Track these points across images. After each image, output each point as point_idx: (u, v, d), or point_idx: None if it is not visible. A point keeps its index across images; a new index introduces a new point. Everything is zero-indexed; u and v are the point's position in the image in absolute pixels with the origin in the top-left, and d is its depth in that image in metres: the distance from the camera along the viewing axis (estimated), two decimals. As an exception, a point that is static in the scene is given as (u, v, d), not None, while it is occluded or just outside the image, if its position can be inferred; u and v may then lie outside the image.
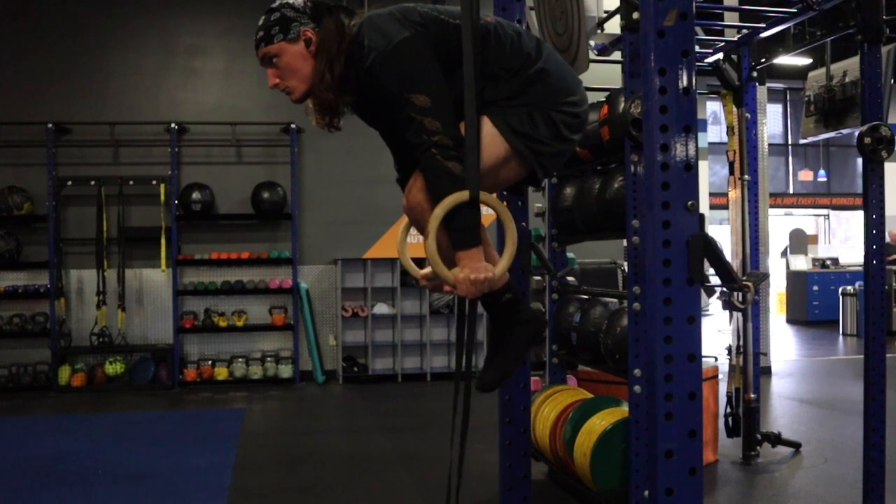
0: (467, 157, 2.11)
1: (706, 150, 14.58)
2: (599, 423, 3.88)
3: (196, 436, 6.05)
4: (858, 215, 16.12)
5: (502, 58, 2.24)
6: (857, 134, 3.82)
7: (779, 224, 16.13)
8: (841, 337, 12.17)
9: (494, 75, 2.24)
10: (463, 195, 2.08)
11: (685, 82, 1.70)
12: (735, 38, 4.97)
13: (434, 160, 2.09)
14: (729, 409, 5.16)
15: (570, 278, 4.82)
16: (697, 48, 4.97)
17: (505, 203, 2.77)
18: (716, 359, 5.18)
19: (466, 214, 2.10)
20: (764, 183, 8.11)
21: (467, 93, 2.12)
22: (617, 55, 4.54)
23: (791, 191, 18.11)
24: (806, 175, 17.86)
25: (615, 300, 4.43)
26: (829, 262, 14.49)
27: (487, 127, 2.23)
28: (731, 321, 5.30)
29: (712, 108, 15.87)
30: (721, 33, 5.45)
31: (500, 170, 2.28)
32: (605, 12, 4.11)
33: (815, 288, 14.02)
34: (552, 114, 2.28)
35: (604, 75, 5.64)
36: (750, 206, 5.27)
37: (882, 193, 3.73)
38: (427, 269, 2.49)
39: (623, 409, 3.92)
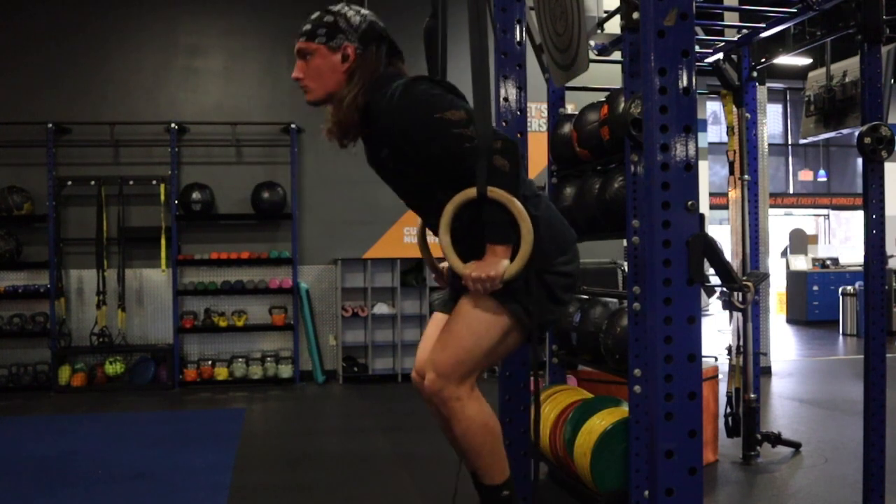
0: (479, 154, 2.15)
1: (706, 150, 14.58)
2: (599, 423, 3.88)
3: (196, 436, 6.05)
4: (858, 215, 16.13)
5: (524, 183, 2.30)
6: (857, 134, 3.82)
7: (779, 224, 16.13)
8: (841, 337, 12.17)
9: None
10: (470, 192, 2.11)
11: (685, 82, 1.70)
12: (735, 38, 4.97)
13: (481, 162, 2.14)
14: (729, 409, 5.15)
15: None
16: (697, 48, 4.96)
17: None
18: (716, 359, 5.18)
19: (490, 209, 2.14)
20: (764, 183, 8.11)
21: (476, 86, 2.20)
22: (617, 55, 4.54)
23: (791, 191, 18.12)
24: (806, 175, 17.87)
25: (615, 300, 4.43)
26: (829, 262, 14.49)
27: (489, 303, 2.25)
28: (731, 321, 5.30)
29: (712, 108, 15.88)
30: (721, 33, 5.45)
31: (507, 339, 2.31)
32: (605, 12, 4.11)
33: (815, 288, 14.03)
34: (545, 276, 2.29)
35: (604, 75, 5.64)
36: (750, 206, 5.27)
37: (882, 193, 3.73)
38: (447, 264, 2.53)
39: (623, 409, 3.92)
